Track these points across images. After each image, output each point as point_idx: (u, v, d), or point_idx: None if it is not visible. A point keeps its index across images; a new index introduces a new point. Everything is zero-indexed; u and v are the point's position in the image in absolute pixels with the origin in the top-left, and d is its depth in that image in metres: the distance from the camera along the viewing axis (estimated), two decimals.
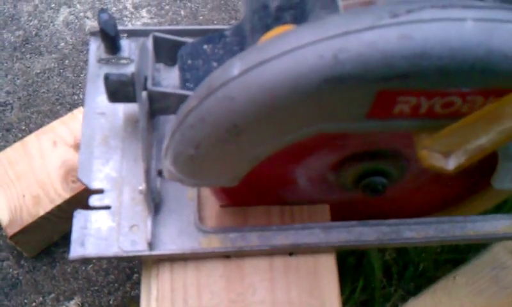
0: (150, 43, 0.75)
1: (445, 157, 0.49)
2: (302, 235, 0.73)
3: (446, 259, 1.03)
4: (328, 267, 0.74)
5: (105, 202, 0.76)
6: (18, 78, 1.35)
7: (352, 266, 0.99)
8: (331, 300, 0.73)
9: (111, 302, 1.05)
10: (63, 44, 1.41)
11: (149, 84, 0.72)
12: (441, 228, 0.76)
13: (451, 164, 0.48)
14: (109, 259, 0.98)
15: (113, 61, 0.88)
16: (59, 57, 1.39)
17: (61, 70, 1.36)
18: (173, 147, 0.58)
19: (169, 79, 0.81)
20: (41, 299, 1.05)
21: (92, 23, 1.45)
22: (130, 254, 0.72)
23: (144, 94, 0.70)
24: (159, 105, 0.74)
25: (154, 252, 0.72)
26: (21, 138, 1.12)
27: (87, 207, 0.76)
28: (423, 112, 0.52)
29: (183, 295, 0.72)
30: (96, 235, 0.73)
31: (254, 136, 0.54)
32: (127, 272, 1.08)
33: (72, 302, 1.05)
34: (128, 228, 0.74)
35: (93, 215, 0.75)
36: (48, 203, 1.01)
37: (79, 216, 0.75)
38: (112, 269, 1.08)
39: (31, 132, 1.18)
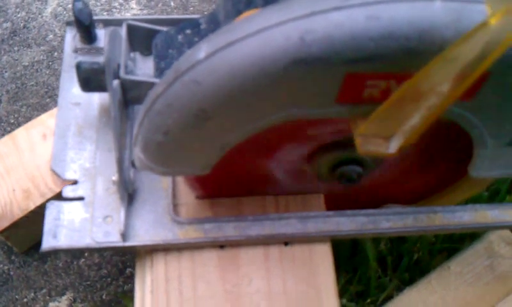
0: (123, 31, 0.74)
1: (386, 140, 0.48)
2: (277, 225, 0.72)
3: (441, 249, 1.02)
4: (323, 256, 0.74)
5: (79, 193, 0.75)
6: (6, 71, 1.33)
7: (347, 256, 0.98)
8: (327, 289, 0.72)
9: (103, 297, 1.04)
10: (51, 36, 1.39)
11: (121, 73, 0.70)
12: (420, 218, 0.75)
13: (392, 147, 0.47)
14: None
15: (88, 50, 0.86)
16: (48, 50, 1.36)
17: (50, 63, 1.34)
18: (142, 134, 0.57)
19: (146, 68, 0.80)
20: (32, 294, 1.04)
21: (97, 18, 1.43)
22: (103, 245, 0.71)
23: (116, 82, 0.69)
24: (133, 94, 0.73)
25: (127, 244, 0.70)
26: (10, 132, 1.11)
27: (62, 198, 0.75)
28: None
29: (178, 285, 0.71)
30: (69, 226, 0.72)
31: (223, 121, 0.53)
32: (119, 267, 1.06)
33: (64, 298, 1.03)
34: (101, 219, 0.73)
35: (66, 206, 0.74)
36: (39, 197, 0.98)
37: (52, 207, 0.73)
38: (105, 264, 1.06)
39: (19, 125, 1.16)
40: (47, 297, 1.03)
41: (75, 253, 1.05)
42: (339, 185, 0.71)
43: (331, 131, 0.62)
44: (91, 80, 0.73)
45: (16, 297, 1.03)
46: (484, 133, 0.59)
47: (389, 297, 0.93)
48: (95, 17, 0.85)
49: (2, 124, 1.25)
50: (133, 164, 0.74)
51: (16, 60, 1.35)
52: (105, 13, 1.43)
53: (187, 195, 0.77)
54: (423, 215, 0.76)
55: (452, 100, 0.44)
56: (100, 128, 0.81)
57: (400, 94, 0.46)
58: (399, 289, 0.95)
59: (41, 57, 1.36)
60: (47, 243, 0.71)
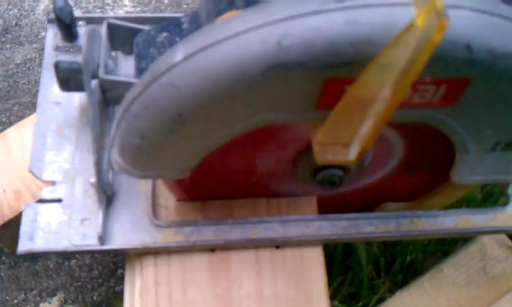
0: (103, 30, 0.73)
1: (345, 148, 0.47)
2: (258, 229, 0.72)
3: (434, 251, 1.02)
4: (315, 259, 0.73)
5: (57, 194, 0.74)
6: None
7: (340, 259, 0.98)
8: (319, 293, 0.71)
9: (94, 298, 1.03)
10: (44, 34, 1.37)
11: (101, 72, 0.69)
12: (402, 222, 0.75)
13: (351, 154, 0.46)
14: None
15: (70, 49, 0.85)
16: (40, 47, 1.34)
17: (42, 61, 1.32)
18: (118, 137, 0.56)
19: (127, 68, 0.78)
20: (23, 295, 1.03)
21: (79, 15, 1.41)
22: (80, 248, 0.69)
23: (94, 82, 0.67)
24: (113, 95, 0.71)
25: (105, 247, 0.69)
26: (1, 130, 1.09)
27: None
28: None
29: (167, 289, 0.70)
30: (46, 228, 0.71)
31: (200, 126, 0.52)
32: (111, 268, 1.06)
33: (55, 298, 1.02)
34: (79, 222, 0.71)
35: (44, 208, 0.73)
36: (30, 197, 0.97)
37: (29, 209, 0.72)
38: (96, 265, 1.06)
39: (11, 124, 1.15)
40: (38, 298, 1.02)
41: (60, 255, 1.04)
42: (319, 188, 0.70)
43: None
44: (70, 79, 0.72)
45: (7, 298, 1.02)
46: (466, 139, 0.58)
47: (381, 299, 0.93)
48: (76, 15, 0.84)
49: None
50: (112, 166, 0.73)
51: (8, 58, 1.33)
52: (98, 10, 1.41)
53: (168, 198, 0.76)
54: (405, 220, 0.75)
55: (396, 105, 0.43)
56: (80, 129, 0.79)
57: (345, 103, 0.46)
58: (392, 291, 0.95)
59: (34, 55, 1.34)
60: (23, 246, 0.69)
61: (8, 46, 1.35)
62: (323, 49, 0.45)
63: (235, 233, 0.71)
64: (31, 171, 0.75)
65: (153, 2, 1.44)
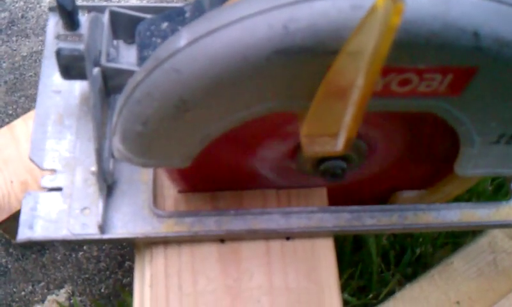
0: (105, 18, 0.72)
1: (332, 138, 0.46)
2: (259, 220, 0.71)
3: (443, 244, 1.02)
4: (325, 251, 0.72)
5: (57, 183, 0.73)
6: (4, 62, 1.31)
7: (350, 251, 0.97)
8: (330, 285, 0.71)
9: (102, 290, 1.02)
10: None
11: (103, 60, 0.69)
12: (404, 215, 0.74)
13: (339, 144, 0.46)
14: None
15: (71, 37, 0.84)
16: None
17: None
18: (120, 124, 0.55)
19: (129, 57, 0.78)
20: (30, 287, 1.02)
21: (80, 4, 1.40)
22: (80, 237, 0.69)
23: (96, 70, 0.67)
24: (114, 83, 0.71)
25: (105, 236, 0.69)
26: (8, 123, 1.08)
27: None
28: (379, 89, 0.50)
29: (177, 280, 0.69)
30: (46, 217, 0.70)
31: (203, 112, 0.52)
32: (118, 260, 1.05)
33: (62, 291, 1.02)
34: (79, 211, 0.71)
35: (44, 196, 0.72)
36: (37, 189, 0.97)
37: (29, 197, 0.72)
38: (104, 257, 1.05)
39: (18, 116, 1.15)
40: (45, 290, 1.02)
41: (67, 246, 1.03)
42: (323, 180, 0.70)
43: None
44: (71, 67, 0.71)
45: (14, 290, 1.02)
46: (471, 130, 0.58)
47: (391, 292, 0.93)
48: (78, 3, 0.83)
49: (1, 115, 1.23)
50: (113, 155, 0.72)
51: (15, 50, 1.33)
52: (104, 3, 1.40)
53: (170, 188, 0.75)
54: (409, 213, 0.75)
55: (369, 93, 0.42)
56: (81, 117, 0.79)
57: (323, 94, 0.45)
58: (401, 284, 0.95)
59: (40, 47, 1.34)
60: (23, 234, 0.69)
61: (14, 38, 1.35)
62: (329, 34, 0.44)
63: (237, 223, 0.71)
64: (31, 160, 0.75)
65: None
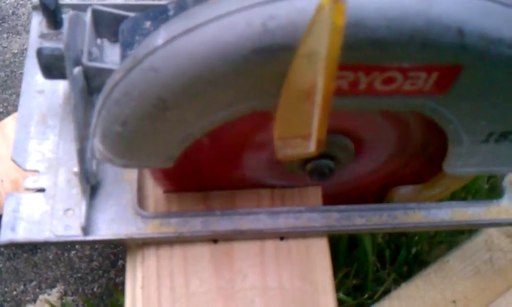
0: (88, 16, 0.71)
1: (305, 140, 0.45)
2: (246, 220, 0.70)
3: (439, 242, 1.01)
4: (320, 251, 0.71)
5: (40, 184, 0.72)
6: None
7: (345, 250, 0.96)
8: (324, 285, 0.70)
9: (94, 290, 1.01)
10: None
11: (84, 59, 0.67)
12: (394, 214, 0.73)
13: (311, 146, 0.45)
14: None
15: (55, 36, 0.83)
16: None
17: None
18: (100, 124, 0.54)
19: (113, 55, 0.76)
20: (22, 287, 1.01)
21: (75, 1, 1.38)
22: (63, 239, 0.68)
23: (77, 70, 0.65)
24: (97, 82, 0.69)
25: (88, 238, 0.67)
26: None
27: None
28: (362, 88, 0.49)
29: (169, 282, 0.68)
30: (28, 218, 0.69)
31: (183, 112, 0.51)
32: (111, 259, 1.04)
33: (55, 290, 1.00)
34: (62, 212, 0.69)
35: (26, 198, 0.71)
36: None
37: (11, 199, 0.70)
38: (96, 256, 1.04)
39: (9, 114, 1.14)
40: (37, 290, 1.01)
41: (59, 246, 1.02)
42: (309, 179, 0.69)
43: None
44: (52, 67, 0.70)
45: (6, 289, 1.00)
46: (459, 129, 0.57)
47: (387, 291, 0.92)
48: (61, 1, 0.82)
49: None
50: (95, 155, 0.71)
51: (5, 47, 1.31)
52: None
53: (155, 188, 0.74)
54: (398, 212, 0.73)
55: (329, 93, 0.41)
56: (64, 117, 0.77)
57: (286, 96, 0.44)
58: (397, 282, 0.93)
59: None
60: (5, 236, 0.68)
61: (4, 35, 1.34)
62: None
63: (224, 224, 0.69)
64: (13, 160, 0.73)
65: None
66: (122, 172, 0.72)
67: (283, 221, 0.71)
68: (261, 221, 0.70)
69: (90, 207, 0.70)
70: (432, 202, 0.75)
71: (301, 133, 0.45)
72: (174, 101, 0.49)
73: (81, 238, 0.67)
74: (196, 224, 0.69)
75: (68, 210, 0.70)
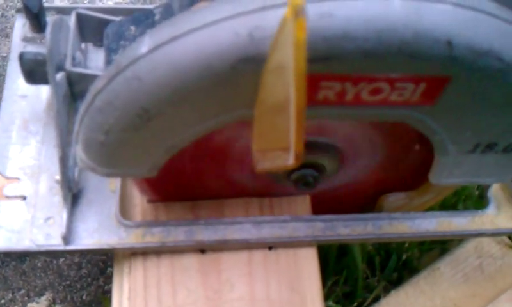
0: (72, 21, 0.70)
1: (285, 152, 0.45)
2: (231, 230, 0.69)
3: (429, 249, 1.00)
4: (308, 260, 0.71)
5: (21, 192, 0.70)
6: None
7: (334, 258, 0.96)
8: (312, 295, 0.69)
9: (83, 298, 1.00)
10: None
11: (67, 64, 0.66)
12: (379, 224, 0.73)
13: (290, 158, 0.44)
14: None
15: (38, 40, 0.81)
16: None
17: None
18: (82, 133, 0.53)
19: (98, 60, 0.75)
20: (10, 295, 0.99)
21: (60, 3, 1.36)
22: (43, 249, 0.66)
23: (60, 75, 0.64)
24: (81, 88, 0.68)
25: (69, 247, 0.66)
26: None
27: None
28: (349, 99, 0.48)
29: (156, 292, 0.67)
30: (8, 227, 0.67)
31: (167, 122, 0.50)
32: (100, 266, 1.02)
33: (43, 298, 0.99)
34: (43, 220, 0.68)
35: (6, 205, 0.69)
36: None
37: None
38: (85, 263, 1.02)
39: None
40: (26, 298, 0.99)
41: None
42: (295, 188, 0.68)
43: None
44: (35, 72, 0.69)
45: None
46: (446, 140, 0.57)
47: (377, 298, 0.91)
48: (46, 5, 0.81)
49: None
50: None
51: None
52: (86, 1, 1.37)
53: (143, 197, 0.73)
54: (383, 222, 0.73)
55: (301, 105, 0.40)
56: (47, 123, 0.76)
57: (261, 111, 0.43)
58: (387, 290, 0.93)
59: None
60: None
61: None
62: None
63: (207, 234, 0.68)
64: None
65: None
66: (105, 180, 0.71)
67: (268, 231, 0.70)
68: (246, 231, 0.69)
69: (72, 216, 0.68)
70: (417, 212, 0.75)
71: (278, 146, 0.44)
72: (158, 111, 0.48)
73: (62, 247, 0.66)
74: (180, 234, 0.68)
75: (49, 218, 0.68)
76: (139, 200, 0.73)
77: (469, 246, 0.91)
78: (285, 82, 0.39)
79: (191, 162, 0.62)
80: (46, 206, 0.69)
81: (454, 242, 0.96)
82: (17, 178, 0.71)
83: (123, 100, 0.48)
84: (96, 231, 0.68)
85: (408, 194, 0.80)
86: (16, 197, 0.70)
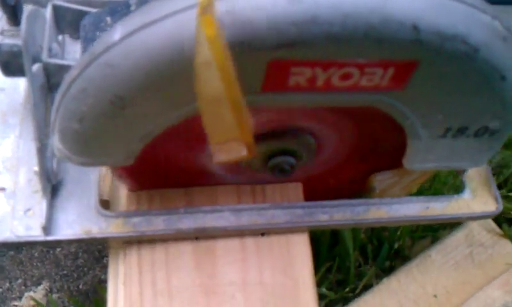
0: (48, 12, 0.70)
1: (237, 143, 0.46)
2: (210, 218, 0.70)
3: (421, 237, 1.03)
4: (301, 246, 0.72)
5: (0, 184, 0.70)
6: None
7: (327, 245, 0.97)
8: (304, 279, 0.71)
9: (80, 287, 1.01)
10: None
11: (44, 56, 0.66)
12: (356, 210, 0.74)
13: (243, 149, 0.45)
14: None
15: (16, 32, 0.81)
16: None
17: None
18: (58, 122, 0.54)
19: (76, 52, 0.75)
20: (8, 284, 1.00)
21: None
22: (23, 239, 0.66)
23: (36, 66, 0.64)
24: (58, 79, 0.68)
25: (49, 238, 0.66)
26: None
27: None
28: (320, 84, 0.49)
29: (151, 278, 0.69)
30: None
31: (141, 109, 0.50)
32: (96, 256, 1.04)
33: (40, 287, 1.00)
34: (23, 212, 0.68)
35: None
36: None
37: None
38: (82, 253, 1.04)
39: None
40: (23, 287, 1.01)
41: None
42: (274, 176, 0.69)
43: (261, 121, 0.60)
44: (11, 63, 0.69)
45: None
46: (417, 124, 0.58)
47: (369, 286, 0.93)
48: None
49: None
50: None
51: None
52: None
53: (120, 187, 0.74)
54: (360, 208, 0.74)
55: (236, 98, 0.43)
56: (25, 116, 0.76)
57: (201, 104, 0.45)
58: (379, 277, 0.95)
59: None
60: None
61: None
62: (265, 29, 0.43)
63: (186, 222, 0.69)
64: None
65: None
66: (84, 171, 0.71)
67: (247, 218, 0.71)
68: (224, 219, 0.70)
69: (51, 207, 0.69)
70: (394, 198, 0.76)
71: (230, 138, 0.45)
72: (131, 98, 0.48)
73: (42, 238, 0.67)
74: (158, 223, 0.69)
75: (28, 210, 0.69)
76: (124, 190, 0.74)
77: (460, 234, 0.93)
78: (214, 76, 0.40)
79: (165, 149, 0.62)
80: (25, 198, 0.69)
81: (445, 231, 0.98)
82: None
83: (97, 87, 0.48)
84: (76, 221, 0.68)
85: (394, 172, 0.81)
86: None
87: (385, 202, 0.75)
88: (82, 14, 0.71)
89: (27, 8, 0.63)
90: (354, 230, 0.97)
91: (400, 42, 0.46)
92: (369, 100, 0.53)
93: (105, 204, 0.73)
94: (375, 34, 0.44)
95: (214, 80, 0.40)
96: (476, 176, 0.80)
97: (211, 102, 0.43)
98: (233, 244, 0.72)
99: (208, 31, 0.37)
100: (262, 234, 0.73)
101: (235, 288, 0.69)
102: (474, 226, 0.93)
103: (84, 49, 0.68)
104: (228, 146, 0.46)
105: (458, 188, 0.80)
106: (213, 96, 0.42)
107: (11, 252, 1.02)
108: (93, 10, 0.72)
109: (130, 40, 0.46)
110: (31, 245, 0.95)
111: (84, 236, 0.67)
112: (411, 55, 0.48)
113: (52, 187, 0.70)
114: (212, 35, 0.37)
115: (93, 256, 1.04)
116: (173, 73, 0.46)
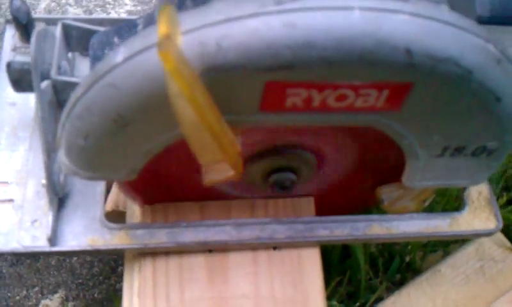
0: (58, 31, 0.72)
1: (225, 164, 0.47)
2: (212, 232, 0.71)
3: (432, 251, 1.03)
4: (311, 260, 0.74)
5: (8, 195, 0.73)
6: None
7: (338, 259, 0.99)
8: (315, 294, 0.72)
9: (95, 295, 1.03)
10: None
11: (53, 73, 0.68)
12: (356, 226, 0.75)
13: (230, 170, 0.47)
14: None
15: (27, 50, 0.84)
16: None
17: None
18: (64, 138, 0.55)
19: (85, 70, 0.78)
20: (25, 292, 1.02)
21: (74, 11, 1.39)
22: (29, 250, 0.69)
23: (45, 83, 0.67)
24: (67, 96, 0.70)
25: (54, 249, 0.68)
26: None
27: None
28: (316, 105, 0.50)
29: (165, 290, 0.70)
30: None
31: (143, 128, 0.52)
32: (111, 265, 1.06)
33: (56, 296, 1.02)
34: (30, 223, 0.71)
35: None
36: None
37: None
38: (97, 262, 1.06)
39: None
40: (39, 295, 1.02)
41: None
42: (275, 192, 0.70)
43: (260, 140, 0.61)
44: (22, 80, 0.71)
45: (9, 294, 1.02)
46: (414, 144, 0.59)
47: (379, 299, 0.94)
48: (35, 16, 0.83)
49: None
50: None
51: None
52: (98, 10, 1.39)
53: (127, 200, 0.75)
54: (361, 224, 0.75)
55: (215, 124, 0.45)
56: (35, 130, 0.78)
57: (184, 129, 0.47)
58: (390, 290, 0.95)
59: None
60: None
61: None
62: (261, 52, 0.45)
63: (187, 235, 0.71)
64: None
65: (154, 1, 1.43)
66: (90, 183, 0.73)
67: (248, 233, 0.72)
68: (226, 233, 0.72)
69: (58, 219, 0.71)
70: (395, 215, 0.77)
71: (216, 159, 0.47)
72: (133, 117, 0.50)
73: (47, 248, 0.68)
74: (161, 236, 0.70)
75: (35, 221, 0.71)
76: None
77: (470, 249, 0.93)
78: (186, 105, 0.42)
79: (166, 164, 0.64)
80: (33, 209, 0.71)
81: (456, 245, 0.98)
82: (6, 182, 0.74)
83: (100, 106, 0.50)
84: (81, 233, 0.70)
85: (399, 184, 0.81)
86: (4, 200, 0.72)
87: (386, 219, 0.76)
88: (91, 33, 0.74)
89: (37, 27, 0.65)
90: (365, 244, 0.98)
91: (393, 65, 0.47)
92: (366, 120, 0.54)
93: (121, 215, 0.75)
94: (369, 58, 0.46)
95: (187, 109, 0.42)
96: (475, 193, 0.81)
97: (190, 128, 0.45)
98: (246, 257, 0.73)
99: (167, 65, 0.39)
100: (274, 248, 0.74)
101: (246, 301, 0.71)
102: (485, 240, 0.94)
103: (92, 67, 0.70)
104: (216, 167, 0.48)
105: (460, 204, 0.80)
106: (190, 123, 0.44)
107: (29, 261, 1.04)
108: (102, 29, 0.74)
109: (132, 62, 0.47)
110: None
111: (88, 247, 0.69)
112: (405, 78, 0.49)
113: (59, 199, 0.72)
114: (171, 69, 0.39)
115: (108, 265, 1.05)
116: (164, 95, 0.48)
